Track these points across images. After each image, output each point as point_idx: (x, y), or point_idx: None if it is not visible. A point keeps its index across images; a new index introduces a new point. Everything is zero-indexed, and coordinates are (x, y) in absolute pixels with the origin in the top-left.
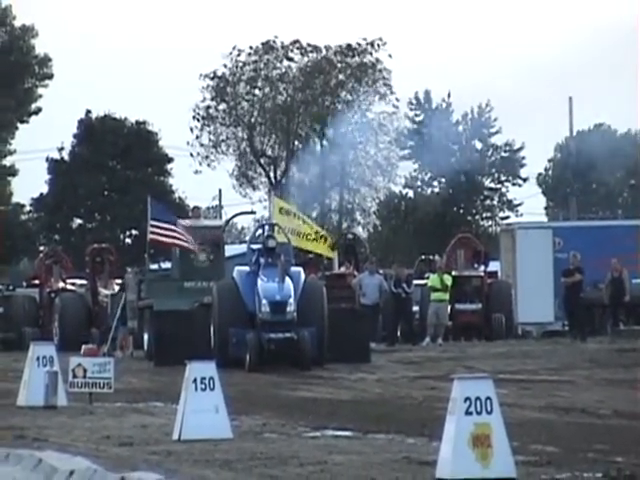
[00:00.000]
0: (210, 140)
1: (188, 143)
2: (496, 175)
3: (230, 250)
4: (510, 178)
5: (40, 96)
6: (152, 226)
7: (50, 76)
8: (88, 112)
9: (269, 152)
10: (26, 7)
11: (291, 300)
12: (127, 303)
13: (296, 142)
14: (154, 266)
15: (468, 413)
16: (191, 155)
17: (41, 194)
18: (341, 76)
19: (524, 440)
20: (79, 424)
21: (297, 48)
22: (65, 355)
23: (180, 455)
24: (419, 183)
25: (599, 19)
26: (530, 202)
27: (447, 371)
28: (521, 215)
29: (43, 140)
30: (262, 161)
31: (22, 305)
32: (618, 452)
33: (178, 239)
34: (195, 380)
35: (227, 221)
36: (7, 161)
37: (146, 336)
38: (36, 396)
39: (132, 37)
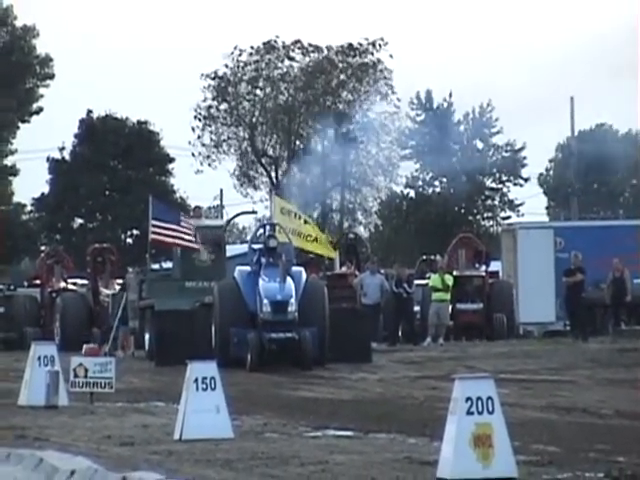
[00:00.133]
0: (211, 140)
1: (189, 143)
2: (497, 175)
3: (231, 250)
4: (511, 178)
5: (41, 96)
6: (153, 226)
7: (51, 76)
8: (89, 112)
9: (270, 152)
10: (27, 7)
11: (292, 300)
12: (128, 303)
13: (297, 142)
14: (155, 266)
15: (469, 413)
16: (192, 155)
17: (42, 194)
18: (342, 76)
19: (525, 440)
20: (80, 424)
21: (298, 48)
22: (66, 355)
23: (181, 455)
24: (420, 183)
25: (600, 19)
26: (531, 202)
27: (448, 371)
28: (522, 215)
29: (44, 140)
30: (263, 161)
31: (23, 305)
32: (620, 452)
33: (180, 238)
34: (196, 380)
35: (228, 221)
36: (8, 161)
37: (147, 336)
38: (37, 396)
39: (133, 37)
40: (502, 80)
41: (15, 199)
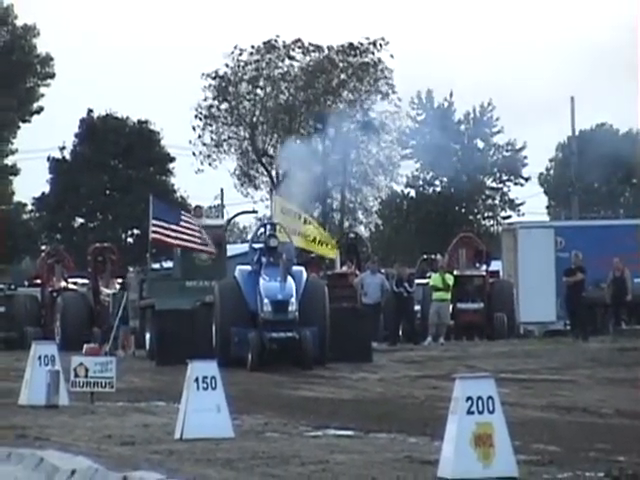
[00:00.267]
0: (212, 139)
1: (190, 142)
2: (498, 174)
3: (232, 249)
4: (512, 177)
5: (42, 95)
6: (154, 225)
7: (52, 75)
8: (90, 111)
9: (271, 151)
10: (28, 6)
11: (293, 299)
12: (129, 302)
13: (298, 141)
14: (156, 265)
15: (470, 412)
16: (193, 154)
17: (43, 193)
18: (343, 75)
19: (526, 439)
20: (81, 423)
21: (299, 47)
22: (67, 354)
23: (182, 454)
24: (421, 182)
25: (600, 18)
26: (532, 201)
27: (449, 370)
28: (523, 214)
29: (45, 139)
30: (264, 160)
31: (24, 304)
32: (620, 451)
33: (181, 239)
34: (197, 379)
35: (229, 220)
36: (9, 160)
37: (148, 335)
38: (38, 395)
39: (134, 36)
40: (503, 80)
41: (16, 198)
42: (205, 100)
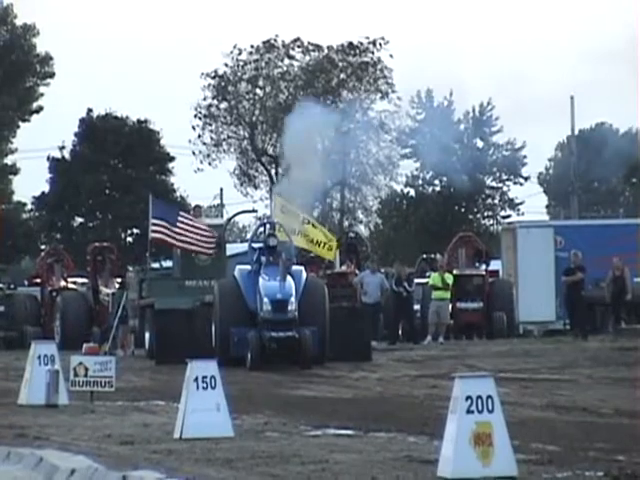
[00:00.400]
0: (211, 139)
1: (190, 142)
2: (497, 174)
3: (231, 249)
4: (511, 177)
5: (41, 95)
6: (154, 225)
7: (51, 75)
8: (89, 111)
9: (270, 151)
10: (27, 6)
11: (292, 299)
12: (128, 302)
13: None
14: (155, 265)
15: (469, 412)
16: (193, 154)
17: (42, 193)
18: (342, 75)
19: (525, 439)
20: (80, 423)
21: (298, 47)
22: (66, 354)
23: (181, 454)
24: (420, 182)
25: (600, 18)
26: (531, 201)
27: (448, 370)
28: (522, 214)
29: (44, 139)
30: (263, 160)
31: (23, 304)
32: (619, 451)
33: (180, 240)
34: (196, 379)
35: (228, 220)
36: (8, 160)
37: (147, 335)
38: (37, 395)
39: (133, 36)
40: (503, 79)
41: (15, 198)
42: (205, 100)
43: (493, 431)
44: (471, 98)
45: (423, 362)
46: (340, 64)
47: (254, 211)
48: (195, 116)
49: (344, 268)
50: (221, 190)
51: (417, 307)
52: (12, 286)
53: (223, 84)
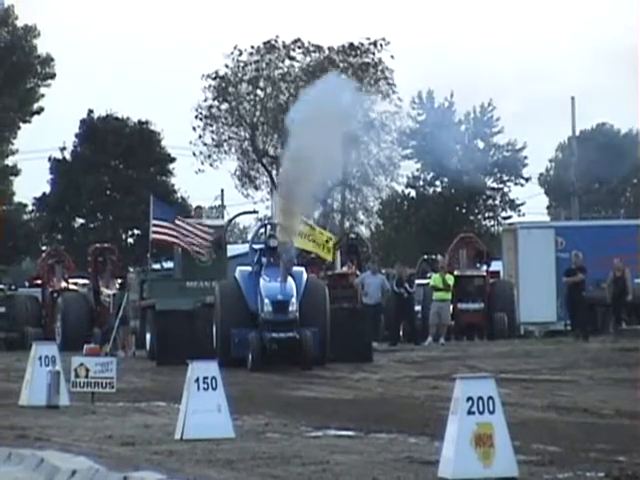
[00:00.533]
0: (212, 140)
1: (190, 143)
2: (498, 175)
3: (232, 250)
4: (512, 178)
5: (42, 96)
6: (154, 225)
7: (52, 76)
8: (90, 112)
9: (271, 152)
10: (28, 7)
11: (293, 300)
12: (129, 303)
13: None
14: (156, 266)
15: (470, 413)
16: (193, 155)
17: (43, 194)
18: (343, 76)
19: (526, 440)
20: (81, 424)
21: (299, 47)
22: (67, 355)
23: (182, 455)
24: (421, 183)
25: (601, 19)
26: (532, 202)
27: (449, 371)
28: (523, 215)
29: (45, 140)
30: (264, 161)
31: (24, 305)
32: (620, 452)
33: (181, 239)
34: (197, 380)
35: (229, 221)
36: (9, 161)
37: (148, 336)
38: (38, 396)
39: (134, 37)
40: (503, 80)
41: (16, 199)
42: (205, 100)
43: (494, 432)
44: (472, 99)
45: (424, 363)
46: (341, 65)
47: (255, 212)
48: (196, 117)
49: (345, 269)
50: (222, 191)
51: (418, 308)
52: (13, 287)
53: (224, 85)
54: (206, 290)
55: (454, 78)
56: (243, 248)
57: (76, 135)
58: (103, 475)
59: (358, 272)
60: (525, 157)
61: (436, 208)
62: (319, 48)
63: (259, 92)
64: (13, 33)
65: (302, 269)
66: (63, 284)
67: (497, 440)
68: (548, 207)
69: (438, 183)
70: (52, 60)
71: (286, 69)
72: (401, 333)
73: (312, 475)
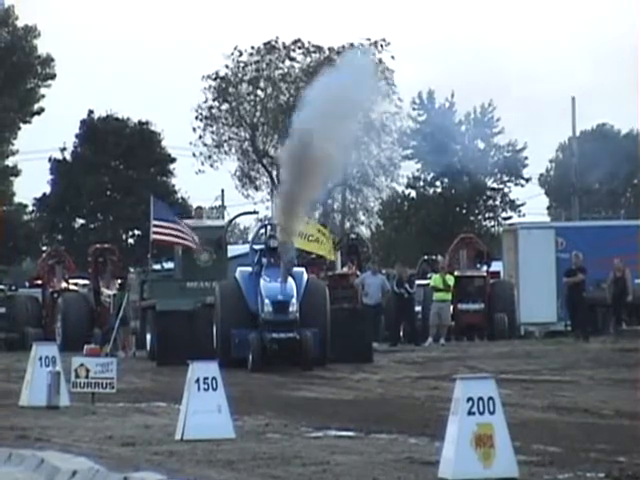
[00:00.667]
0: (213, 140)
1: (191, 143)
2: (499, 175)
3: (232, 250)
4: (512, 178)
5: (42, 96)
6: (155, 226)
7: (52, 76)
8: (90, 112)
9: (271, 152)
10: (28, 7)
11: (293, 300)
12: (130, 303)
13: None
14: (157, 266)
15: (471, 413)
16: (194, 155)
17: (44, 194)
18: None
19: (526, 440)
20: (81, 424)
21: (299, 48)
22: (68, 355)
23: (182, 455)
24: (422, 183)
25: (602, 19)
26: (532, 202)
27: (449, 371)
28: (523, 215)
29: (45, 140)
30: (264, 161)
31: (25, 305)
32: (620, 452)
33: (181, 237)
34: (197, 380)
35: (230, 221)
36: (10, 161)
37: (149, 336)
38: (38, 396)
39: (134, 38)
40: (504, 80)
41: (16, 199)
42: (205, 101)
43: (494, 432)
44: (472, 99)
45: (424, 363)
46: None
47: (255, 212)
48: (196, 118)
49: (345, 269)
50: (222, 192)
51: (418, 308)
52: (13, 287)
53: (224, 85)
54: (206, 290)
55: (454, 78)
56: (243, 248)
57: (76, 135)
58: (103, 475)
59: (358, 272)
60: (525, 157)
61: (436, 208)
62: (319, 48)
63: (259, 92)
64: (13, 33)
65: (302, 269)
66: (63, 284)
67: (497, 440)
68: (548, 207)
69: (438, 184)
70: (52, 60)
71: (286, 69)
72: (401, 334)
73: (312, 476)
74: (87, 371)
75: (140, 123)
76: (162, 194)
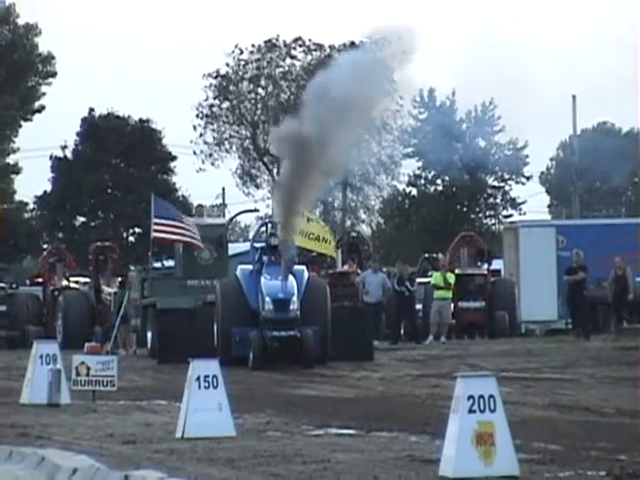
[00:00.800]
0: (213, 138)
1: (191, 141)
2: (499, 173)
3: (233, 248)
4: (513, 176)
5: (43, 94)
6: (155, 224)
7: (53, 74)
8: (91, 110)
9: (272, 150)
10: (29, 5)
11: (294, 298)
12: (130, 301)
13: None
14: (157, 264)
15: (471, 411)
16: (194, 153)
17: (44, 192)
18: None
19: (527, 438)
20: (82, 422)
21: (300, 46)
22: (68, 353)
23: (183, 453)
24: (422, 181)
25: (603, 17)
26: (533, 200)
27: (450, 369)
28: (524, 213)
29: (46, 138)
30: (265, 159)
31: (25, 303)
32: (621, 450)
33: (182, 235)
34: (198, 378)
35: (230, 219)
36: (11, 159)
37: (149, 334)
38: (39, 394)
39: (135, 36)
40: (504, 78)
41: (17, 197)
42: (206, 99)
43: (495, 430)
44: (473, 97)
45: (425, 362)
46: None
47: (256, 210)
48: (197, 116)
49: (346, 267)
50: (223, 190)
51: (419, 306)
52: (14, 285)
53: (225, 84)
54: (207, 288)
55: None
56: (244, 246)
57: (77, 133)
58: (104, 473)
59: (359, 271)
60: (526, 156)
61: (437, 206)
62: (320, 46)
63: (260, 90)
64: (14, 31)
65: (303, 267)
66: (64, 282)
67: (498, 439)
68: (549, 206)
69: (439, 182)
70: (53, 58)
71: (287, 67)
72: (402, 332)
73: (313, 474)
74: (88, 369)
75: (141, 121)
76: (163, 192)
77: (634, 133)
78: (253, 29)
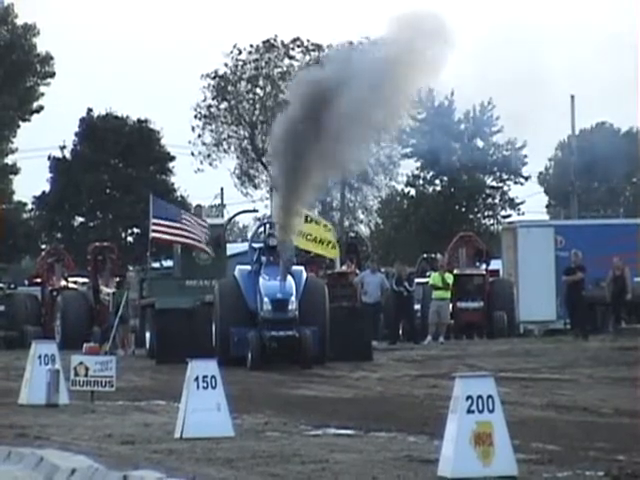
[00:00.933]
0: (212, 139)
1: (190, 142)
2: (498, 173)
3: (232, 248)
4: (512, 176)
5: (42, 94)
6: (154, 224)
7: (52, 74)
8: (90, 110)
9: (270, 151)
10: (28, 6)
11: (292, 298)
12: (129, 301)
13: None
14: (156, 264)
15: (470, 411)
16: (192, 154)
17: (43, 192)
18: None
19: (526, 438)
20: (81, 422)
21: (298, 46)
22: (67, 353)
23: (182, 453)
24: (421, 181)
25: (602, 17)
26: (532, 200)
27: (449, 369)
28: (523, 213)
29: (45, 138)
30: (263, 159)
31: (24, 303)
32: (620, 450)
33: (181, 236)
34: (197, 378)
35: (229, 219)
36: (9, 159)
37: (148, 334)
38: (38, 394)
39: (134, 36)
40: (503, 78)
41: (16, 198)
42: (205, 100)
43: (493, 431)
44: (472, 98)
45: (423, 362)
46: None
47: (254, 211)
48: (195, 116)
49: (344, 268)
50: (221, 190)
51: (417, 307)
52: (12, 286)
53: (223, 84)
54: (205, 289)
55: (454, 76)
56: (242, 247)
57: (76, 134)
58: (102, 474)
59: (357, 271)
60: (525, 156)
61: (436, 207)
62: (318, 47)
63: (258, 91)
64: (13, 32)
65: (301, 268)
66: (63, 283)
67: (496, 439)
68: (547, 206)
69: (438, 182)
70: (52, 59)
71: (285, 68)
72: (400, 332)
73: (311, 474)
74: (86, 369)
75: (139, 121)
76: (161, 192)
77: (633, 133)
78: (251, 29)
